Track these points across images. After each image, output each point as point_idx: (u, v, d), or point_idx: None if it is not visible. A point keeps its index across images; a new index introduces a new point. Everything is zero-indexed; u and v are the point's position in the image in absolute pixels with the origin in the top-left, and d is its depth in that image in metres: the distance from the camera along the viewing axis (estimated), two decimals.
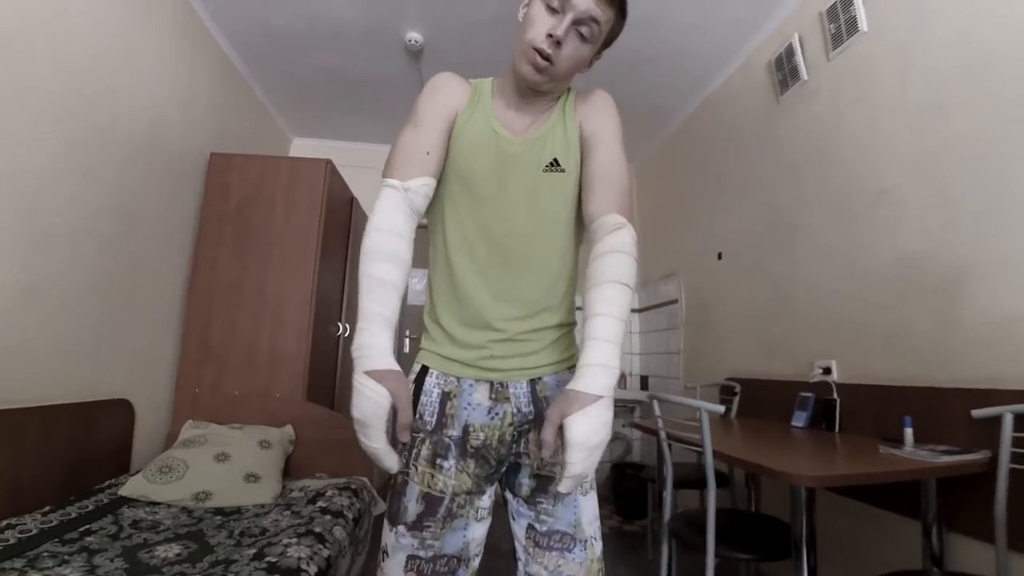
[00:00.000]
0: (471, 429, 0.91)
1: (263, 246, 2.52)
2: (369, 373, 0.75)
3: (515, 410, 0.92)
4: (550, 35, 0.85)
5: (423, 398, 0.93)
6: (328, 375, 2.87)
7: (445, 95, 0.95)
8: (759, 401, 2.41)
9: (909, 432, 1.58)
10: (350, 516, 1.91)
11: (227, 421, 2.33)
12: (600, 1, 0.85)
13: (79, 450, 1.84)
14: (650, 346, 3.69)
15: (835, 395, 1.96)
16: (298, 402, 2.43)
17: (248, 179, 2.56)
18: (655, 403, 1.83)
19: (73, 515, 1.63)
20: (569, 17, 0.84)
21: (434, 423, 0.91)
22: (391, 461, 0.77)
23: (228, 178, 2.55)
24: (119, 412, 2.06)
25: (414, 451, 0.91)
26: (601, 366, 0.76)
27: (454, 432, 0.91)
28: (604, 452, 0.78)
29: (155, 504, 1.84)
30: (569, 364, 0.99)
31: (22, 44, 1.57)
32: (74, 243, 1.81)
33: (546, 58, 0.86)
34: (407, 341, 4.17)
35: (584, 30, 0.86)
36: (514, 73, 0.92)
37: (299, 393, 2.45)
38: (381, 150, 3.76)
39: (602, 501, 1.02)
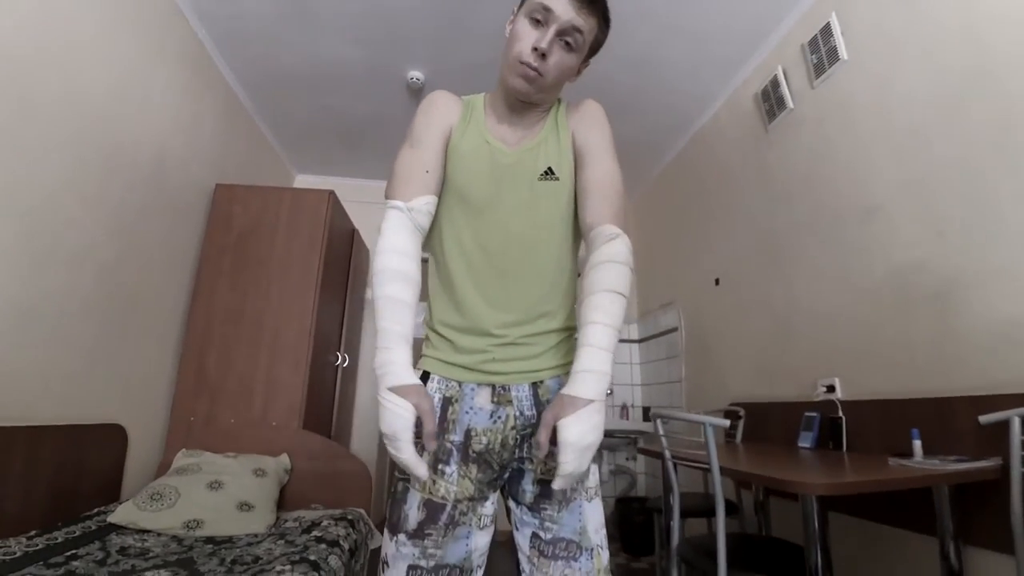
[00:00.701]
0: (473, 433, 0.90)
1: (263, 275, 2.54)
2: (393, 389, 0.79)
3: (517, 413, 0.91)
4: (535, 48, 0.88)
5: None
6: (326, 405, 2.83)
7: (439, 113, 0.98)
8: (764, 425, 2.37)
9: (918, 444, 1.56)
10: (346, 546, 1.84)
11: (222, 450, 2.28)
12: (581, 10, 0.88)
13: (68, 474, 1.80)
14: (651, 376, 3.66)
15: (840, 413, 1.93)
16: (294, 431, 2.39)
17: (251, 210, 2.61)
18: (658, 421, 1.81)
19: (60, 539, 1.58)
20: (553, 28, 0.87)
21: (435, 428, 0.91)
22: (422, 469, 0.80)
23: (231, 209, 2.60)
24: (111, 437, 2.02)
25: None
26: (592, 372, 0.81)
27: (456, 437, 0.90)
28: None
29: (145, 532, 1.78)
30: (570, 367, 0.99)
31: (36, 67, 1.64)
32: (73, 265, 1.82)
33: (534, 70, 0.89)
34: None
35: (568, 39, 0.89)
36: (504, 87, 0.96)
37: (295, 422, 2.41)
38: (383, 186, 3.86)
39: (607, 537, 1.01)
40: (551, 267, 0.97)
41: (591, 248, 0.91)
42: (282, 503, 2.21)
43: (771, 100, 2.43)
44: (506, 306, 0.94)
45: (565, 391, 0.80)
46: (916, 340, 1.71)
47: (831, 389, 2.01)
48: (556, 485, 0.77)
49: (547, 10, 0.88)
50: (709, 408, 2.74)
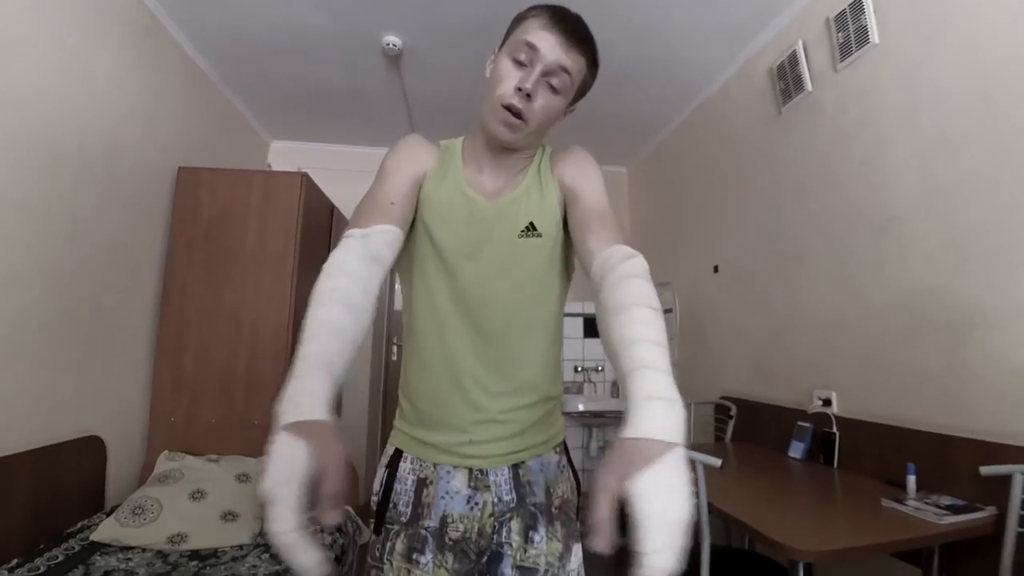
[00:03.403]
0: (449, 520, 0.85)
1: (236, 268, 2.40)
2: (288, 428, 0.54)
3: (496, 499, 0.86)
4: (519, 88, 0.79)
5: (397, 485, 0.87)
6: None
7: (412, 155, 0.90)
8: (754, 425, 2.34)
9: (912, 480, 1.53)
10: (333, 555, 1.85)
11: (204, 451, 2.25)
12: (570, 50, 0.80)
13: (46, 495, 1.76)
14: None
15: (835, 428, 1.88)
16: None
17: (219, 196, 2.42)
18: None
19: (42, 569, 1.56)
20: (538, 69, 0.79)
21: (409, 513, 0.85)
22: (307, 557, 0.50)
23: (198, 195, 2.41)
24: (89, 450, 1.97)
25: (388, 545, 0.84)
26: (664, 400, 0.54)
27: (431, 523, 0.84)
28: (598, 462, 0.63)
29: (128, 549, 1.77)
30: (555, 443, 0.93)
31: None
32: (23, 283, 1.68)
33: (517, 114, 0.80)
34: (395, 348, 4.08)
35: (555, 81, 0.81)
36: (484, 133, 0.86)
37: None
38: (362, 153, 3.66)
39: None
40: (536, 330, 0.89)
41: (603, 272, 0.75)
42: None
43: (787, 78, 2.19)
44: (485, 377, 0.86)
45: (630, 432, 0.52)
46: (923, 369, 1.62)
47: (827, 403, 1.95)
48: None
49: (532, 48, 0.79)
50: (700, 398, 2.71)
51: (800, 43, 2.12)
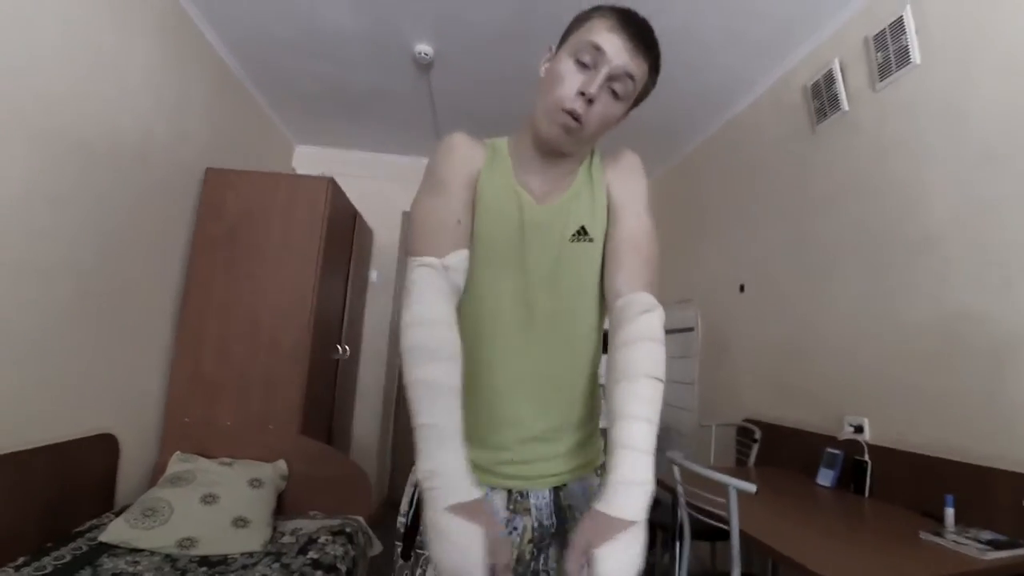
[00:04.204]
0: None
1: (259, 268, 2.39)
2: (454, 509, 0.63)
3: (536, 524, 0.81)
4: (582, 93, 0.75)
5: None
6: (326, 402, 2.75)
7: (464, 156, 0.85)
8: (779, 450, 2.27)
9: (950, 513, 1.46)
10: (343, 569, 1.80)
11: (218, 453, 2.22)
12: (637, 55, 0.77)
13: (59, 492, 1.73)
14: None
15: (866, 457, 1.82)
16: (292, 435, 2.31)
17: (244, 197, 2.42)
18: (675, 469, 1.70)
19: (49, 569, 1.53)
20: (603, 72, 0.75)
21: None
22: None
23: (224, 196, 2.41)
24: (102, 447, 1.95)
25: (419, 572, 0.79)
26: (635, 484, 0.67)
27: None
28: None
29: (137, 551, 1.73)
30: (596, 465, 0.88)
31: None
32: (49, 276, 1.68)
33: (576, 119, 0.76)
34: None
35: (618, 87, 0.77)
36: (535, 135, 0.82)
37: (294, 424, 2.33)
38: (387, 160, 3.67)
39: None
40: (581, 342, 0.85)
41: (620, 319, 0.78)
42: (279, 509, 2.16)
43: (823, 97, 2.17)
44: (531, 389, 0.81)
45: (601, 507, 0.66)
46: (962, 396, 1.57)
47: (859, 429, 1.89)
48: None
49: (598, 50, 0.75)
50: (722, 420, 2.64)
51: (836, 62, 2.09)
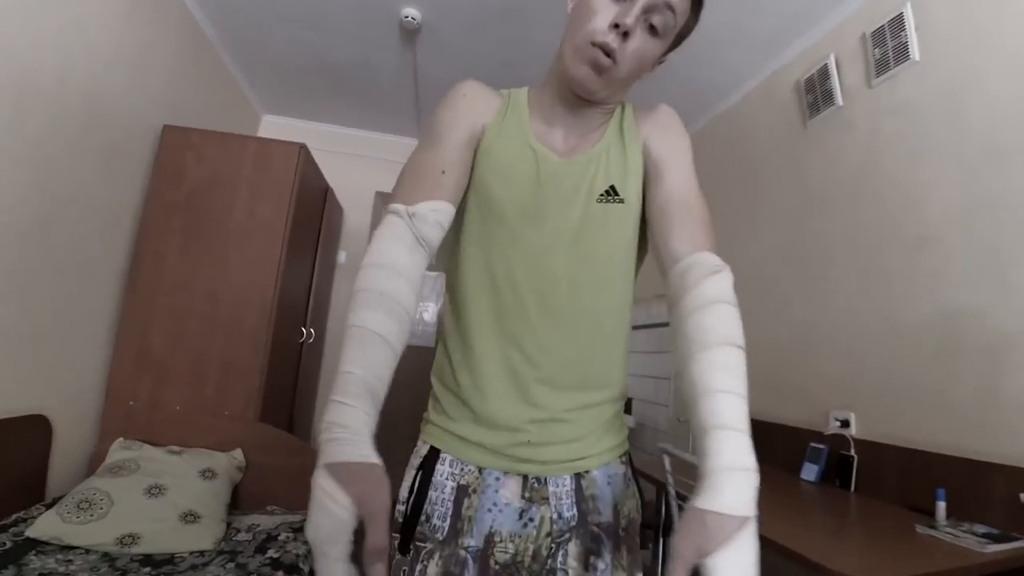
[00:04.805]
0: (496, 539, 0.70)
1: (219, 240, 2.19)
2: (331, 468, 0.52)
3: (555, 515, 0.71)
4: (616, 24, 0.66)
5: (432, 493, 0.71)
6: (287, 388, 2.57)
7: (468, 106, 0.76)
8: (760, 445, 2.17)
9: (942, 507, 1.45)
10: (306, 569, 1.64)
11: (166, 441, 2.01)
12: None
13: None
14: (636, 367, 3.52)
15: (852, 451, 1.81)
16: (250, 422, 2.13)
17: (207, 160, 2.21)
18: (665, 459, 1.63)
19: None
20: (641, 3, 0.67)
21: (447, 529, 0.69)
22: None
23: (183, 158, 2.20)
24: (32, 431, 1.72)
25: (419, 567, 0.68)
26: (743, 470, 0.55)
27: (472, 542, 0.70)
28: None
29: (70, 549, 1.53)
30: (621, 451, 0.79)
31: None
32: None
33: (609, 54, 0.67)
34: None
35: (656, 20, 0.68)
36: (560, 79, 0.74)
37: (252, 412, 2.15)
38: (362, 136, 3.48)
39: None
40: (609, 315, 0.76)
41: (684, 284, 0.69)
42: (235, 503, 1.98)
43: (816, 92, 2.16)
44: (548, 367, 0.72)
45: (706, 504, 0.54)
46: (956, 393, 1.56)
47: (845, 424, 1.88)
48: None
49: None
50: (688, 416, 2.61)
51: (832, 57, 2.08)
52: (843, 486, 1.81)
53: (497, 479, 0.72)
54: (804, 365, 2.15)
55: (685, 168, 0.78)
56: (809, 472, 1.91)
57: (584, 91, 0.71)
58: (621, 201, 0.75)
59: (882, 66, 1.89)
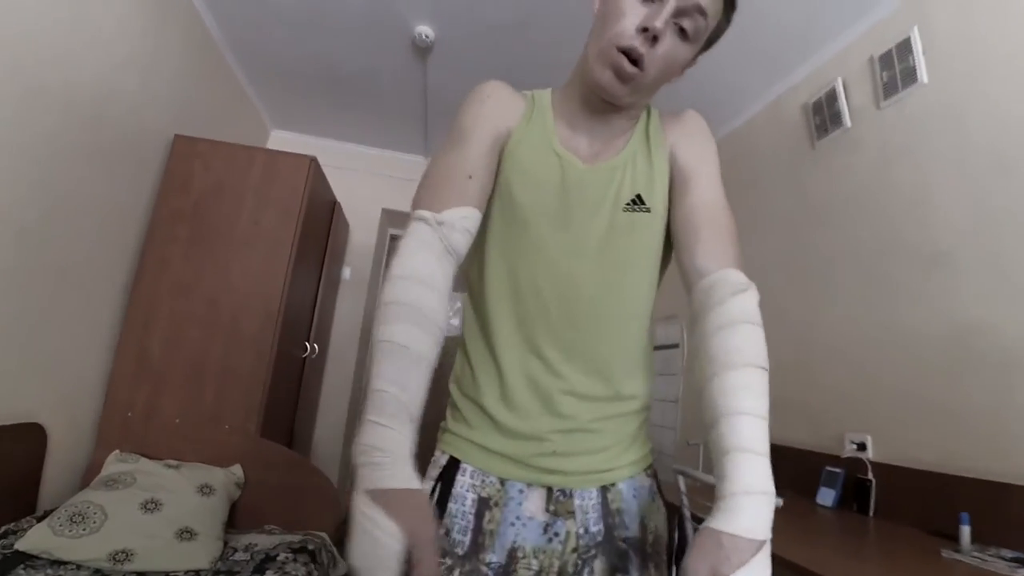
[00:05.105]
0: (520, 555, 0.67)
1: (225, 249, 2.17)
2: (376, 495, 0.51)
3: (581, 530, 0.69)
4: (645, 28, 0.65)
5: (452, 505, 0.68)
6: (288, 404, 2.51)
7: (494, 108, 0.75)
8: (774, 469, 2.18)
9: (966, 531, 1.40)
10: None
11: (163, 454, 1.95)
12: None
13: None
14: None
15: (870, 475, 1.76)
16: (250, 437, 2.07)
17: (214, 169, 2.21)
18: (680, 479, 1.59)
19: None
20: (671, 6, 0.65)
21: (468, 544, 0.66)
22: None
23: (191, 166, 2.19)
24: (25, 439, 1.67)
25: None
26: (760, 494, 0.55)
27: (495, 558, 0.66)
28: None
29: (61, 564, 1.47)
30: (646, 464, 0.77)
31: None
32: None
33: (635, 61, 0.66)
34: None
35: (687, 24, 0.66)
36: (584, 83, 0.73)
37: (252, 426, 2.09)
38: (370, 153, 3.49)
39: None
40: (633, 323, 0.74)
41: (708, 302, 0.68)
42: (232, 521, 1.91)
43: (824, 114, 2.18)
44: (572, 376, 0.70)
45: (722, 526, 0.54)
46: (972, 411, 1.54)
47: (862, 447, 1.84)
48: None
49: None
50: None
51: (840, 80, 2.11)
52: (861, 511, 1.76)
53: (520, 491, 0.69)
54: (816, 386, 2.12)
55: (712, 178, 0.76)
56: (825, 497, 1.86)
57: (608, 96, 0.70)
58: (648, 210, 0.74)
59: (891, 88, 1.91)
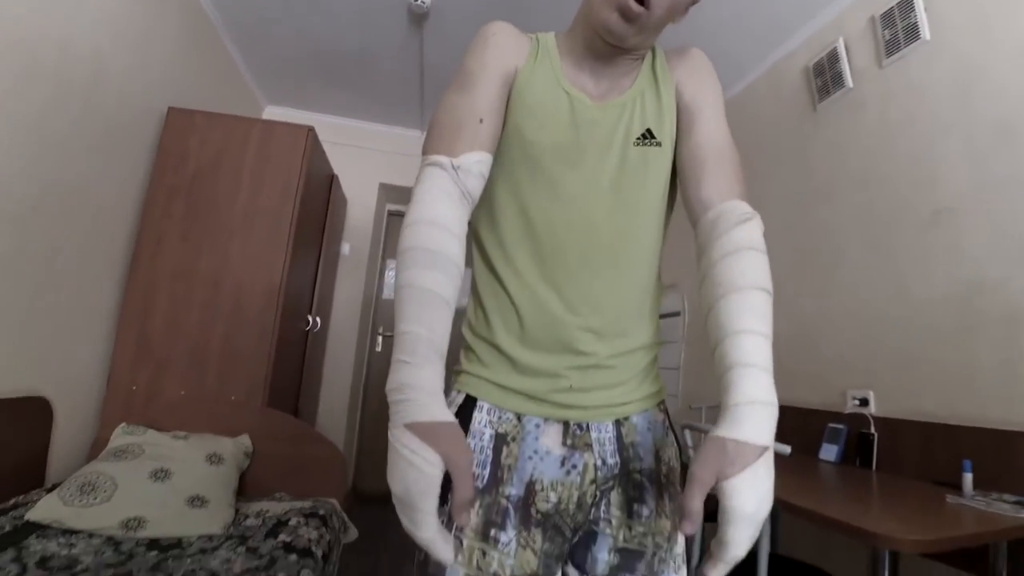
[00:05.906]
0: (538, 487, 0.68)
1: (223, 224, 2.14)
2: (413, 427, 0.53)
3: (599, 461, 0.70)
4: None
5: (470, 441, 0.69)
6: (292, 377, 2.51)
7: (499, 49, 0.74)
8: (777, 428, 2.23)
9: (968, 478, 1.43)
10: (319, 553, 1.59)
11: (170, 427, 1.95)
12: None
13: None
14: None
15: (872, 429, 1.79)
16: (257, 408, 2.07)
17: (211, 143, 2.18)
18: (687, 433, 1.61)
19: None
20: None
21: (487, 477, 0.67)
22: (446, 552, 0.55)
23: (187, 141, 2.16)
24: (32, 413, 1.66)
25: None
26: (764, 404, 0.57)
27: (513, 491, 0.67)
28: None
29: (73, 533, 1.47)
30: (659, 399, 0.78)
31: None
32: None
33: (640, 1, 0.65)
34: (380, 339, 3.81)
35: None
36: (588, 25, 0.73)
37: (258, 398, 2.09)
38: (366, 128, 3.45)
39: None
40: (644, 260, 0.75)
41: (714, 232, 0.69)
42: (242, 490, 1.92)
43: (825, 76, 2.17)
44: (592, 312, 0.71)
45: (727, 433, 0.56)
46: (976, 365, 1.56)
47: (864, 403, 1.87)
48: (715, 574, 0.55)
49: None
50: (710, 402, 2.59)
51: (841, 40, 2.10)
52: (864, 465, 1.79)
53: (537, 426, 0.69)
54: (812, 349, 2.14)
55: (717, 113, 0.77)
56: (828, 452, 1.89)
57: (614, 38, 0.70)
58: (659, 144, 0.74)
59: (892, 47, 1.90)
